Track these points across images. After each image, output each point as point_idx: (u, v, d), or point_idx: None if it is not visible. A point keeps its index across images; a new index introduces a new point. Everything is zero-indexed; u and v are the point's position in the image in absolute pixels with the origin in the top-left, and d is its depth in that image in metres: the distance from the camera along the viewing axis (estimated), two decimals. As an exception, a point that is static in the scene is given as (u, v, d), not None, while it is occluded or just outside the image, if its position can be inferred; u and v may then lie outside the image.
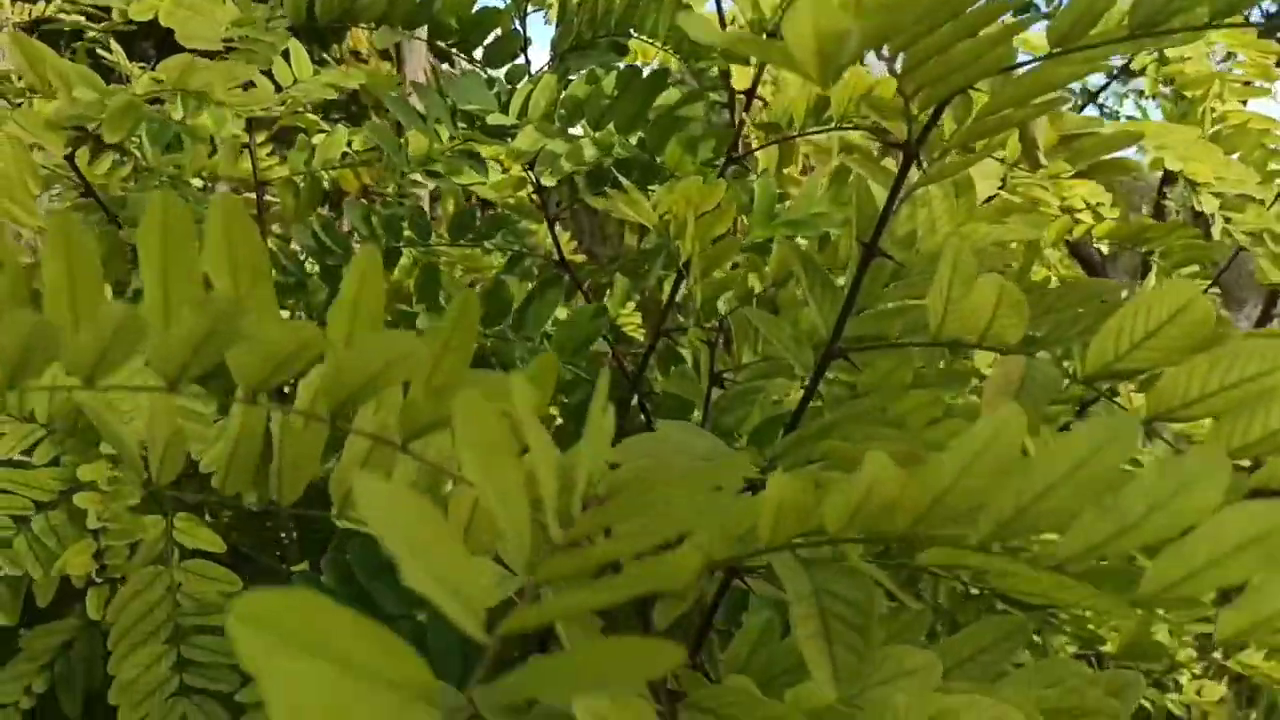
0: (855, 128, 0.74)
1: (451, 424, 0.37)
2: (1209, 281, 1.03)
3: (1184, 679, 1.13)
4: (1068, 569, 0.35)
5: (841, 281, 0.56)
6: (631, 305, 1.04)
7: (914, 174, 0.51)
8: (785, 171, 1.05)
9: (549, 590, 0.33)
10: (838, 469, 0.47)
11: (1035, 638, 0.94)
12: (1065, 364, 0.52)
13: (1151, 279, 1.08)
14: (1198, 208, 1.06)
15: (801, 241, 0.79)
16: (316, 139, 0.99)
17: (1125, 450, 0.34)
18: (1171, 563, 0.34)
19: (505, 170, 1.00)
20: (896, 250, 0.59)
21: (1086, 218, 1.11)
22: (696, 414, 0.66)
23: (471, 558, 0.26)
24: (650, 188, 0.83)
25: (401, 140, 0.94)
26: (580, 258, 1.36)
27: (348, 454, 0.41)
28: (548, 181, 0.96)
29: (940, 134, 0.49)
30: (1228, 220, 0.96)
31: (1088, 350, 0.45)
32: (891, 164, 0.87)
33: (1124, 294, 0.53)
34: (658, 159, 0.84)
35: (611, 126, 0.86)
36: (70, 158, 0.86)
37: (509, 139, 0.85)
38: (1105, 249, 1.12)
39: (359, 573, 0.81)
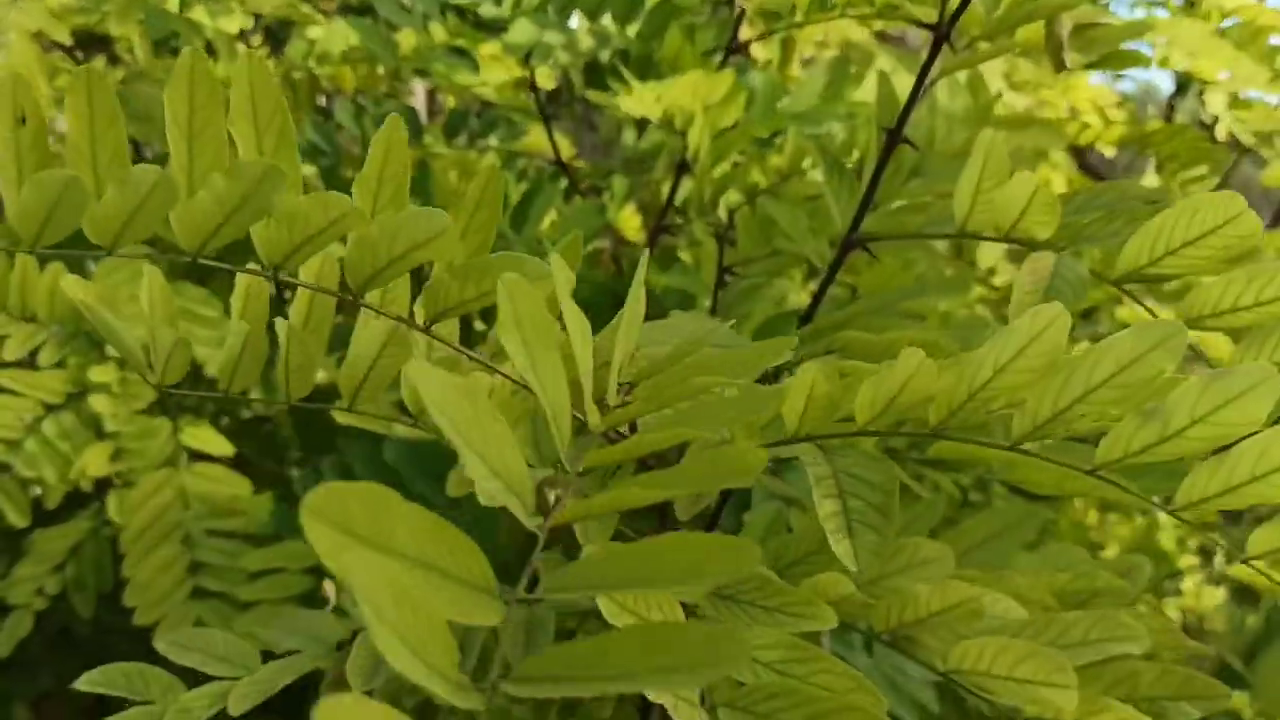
0: (860, 16, 0.71)
1: (473, 305, 0.36)
2: (1216, 184, 1.02)
3: (1186, 584, 1.15)
4: (1102, 474, 0.35)
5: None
6: (631, 207, 1.03)
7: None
8: (786, 72, 1.03)
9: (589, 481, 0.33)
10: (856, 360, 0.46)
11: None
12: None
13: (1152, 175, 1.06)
14: (1203, 115, 1.04)
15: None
16: (312, 32, 0.96)
17: (1172, 356, 0.33)
18: (1210, 476, 0.34)
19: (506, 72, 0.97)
20: (918, 144, 0.58)
21: (1094, 122, 1.10)
22: (704, 304, 0.66)
23: (519, 451, 0.25)
24: (647, 83, 0.81)
25: (392, 37, 0.92)
26: (581, 164, 1.33)
27: (360, 341, 0.40)
28: (543, 80, 0.94)
29: (969, 20, 0.48)
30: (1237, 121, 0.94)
31: (1121, 251, 0.44)
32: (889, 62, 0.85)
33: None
34: (654, 54, 0.81)
35: (608, 18, 0.83)
36: (71, 50, 0.84)
37: (502, 32, 0.82)
38: (1109, 154, 1.11)
39: (362, 473, 0.81)
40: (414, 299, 0.40)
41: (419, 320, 0.39)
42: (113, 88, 0.34)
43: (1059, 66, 0.51)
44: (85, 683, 0.45)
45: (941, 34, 0.47)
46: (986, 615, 0.39)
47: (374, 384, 0.42)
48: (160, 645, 0.46)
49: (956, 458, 0.53)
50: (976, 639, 0.38)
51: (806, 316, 0.54)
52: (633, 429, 0.36)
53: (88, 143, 0.34)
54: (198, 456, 0.83)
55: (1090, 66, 0.59)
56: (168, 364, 0.39)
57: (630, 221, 1.08)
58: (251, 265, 0.39)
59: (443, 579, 0.22)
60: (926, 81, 0.48)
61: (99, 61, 0.95)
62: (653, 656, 0.20)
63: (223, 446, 0.84)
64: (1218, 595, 1.17)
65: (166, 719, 0.41)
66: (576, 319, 0.32)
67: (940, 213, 0.51)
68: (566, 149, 1.19)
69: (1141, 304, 0.46)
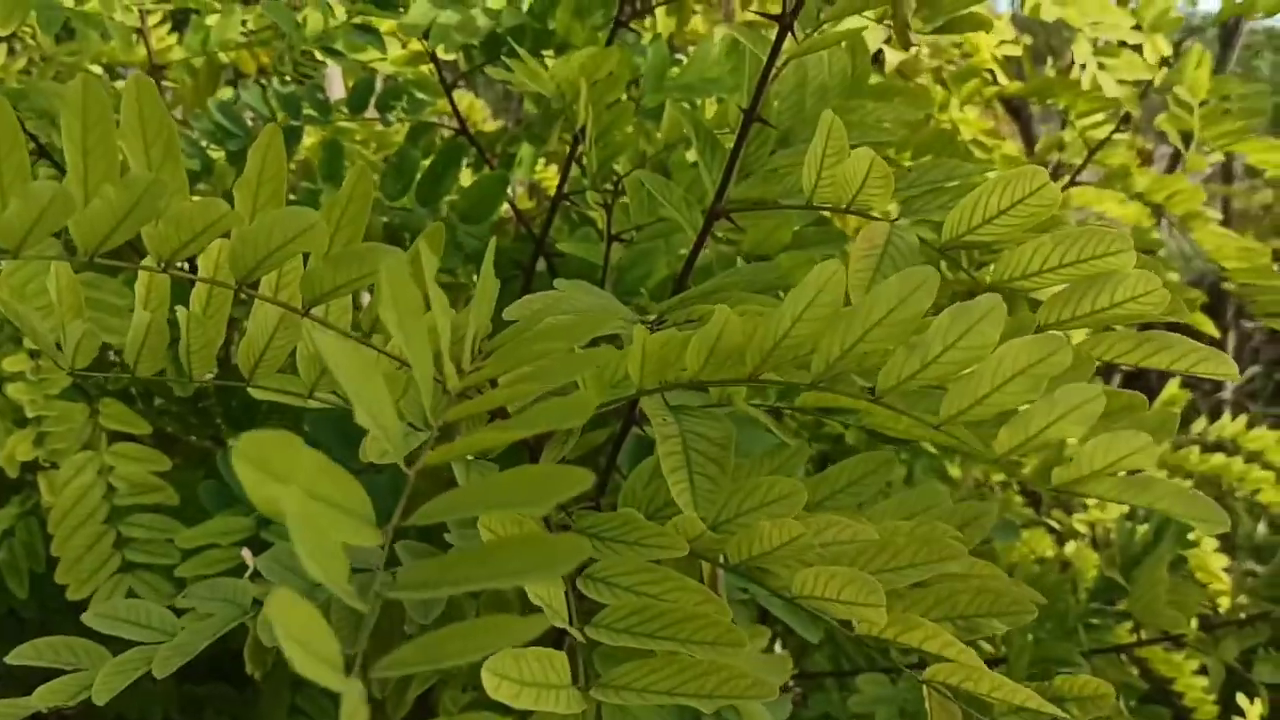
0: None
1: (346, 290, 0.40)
2: (1114, 127, 1.05)
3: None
4: (884, 401, 0.41)
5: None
6: (543, 163, 1.05)
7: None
8: (686, 29, 1.06)
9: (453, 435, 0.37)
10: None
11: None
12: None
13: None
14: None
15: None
16: (210, 19, 0.97)
17: (927, 296, 0.40)
18: (962, 393, 0.40)
19: (404, 45, 0.99)
20: (786, 116, 0.62)
21: (1002, 76, 1.14)
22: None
23: (393, 404, 0.30)
24: (545, 53, 0.83)
25: (299, 17, 0.93)
26: (493, 126, 1.35)
27: (255, 324, 0.44)
28: (443, 54, 0.96)
29: (813, 7, 0.51)
30: (1101, 67, 0.97)
31: (945, 221, 0.49)
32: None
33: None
34: (549, 26, 0.84)
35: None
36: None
37: (401, 12, 0.84)
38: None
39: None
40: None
41: (298, 305, 0.43)
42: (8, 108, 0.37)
43: (905, 45, 0.55)
44: (16, 657, 0.48)
45: (786, 24, 0.50)
46: (832, 543, 0.44)
47: (270, 362, 0.46)
48: (88, 619, 0.49)
49: (823, 406, 0.58)
50: (811, 568, 0.43)
51: (679, 283, 0.58)
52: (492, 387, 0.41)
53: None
54: (118, 436, 0.85)
55: (936, 32, 0.62)
56: (77, 350, 0.42)
57: (553, 181, 1.11)
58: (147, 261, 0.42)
59: (334, 508, 0.27)
60: (777, 64, 0.52)
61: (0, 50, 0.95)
62: (509, 562, 0.25)
63: (140, 425, 0.86)
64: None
65: (98, 682, 0.44)
66: (438, 298, 0.37)
67: (796, 182, 0.55)
68: (479, 110, 1.22)
69: (968, 272, 0.51)
